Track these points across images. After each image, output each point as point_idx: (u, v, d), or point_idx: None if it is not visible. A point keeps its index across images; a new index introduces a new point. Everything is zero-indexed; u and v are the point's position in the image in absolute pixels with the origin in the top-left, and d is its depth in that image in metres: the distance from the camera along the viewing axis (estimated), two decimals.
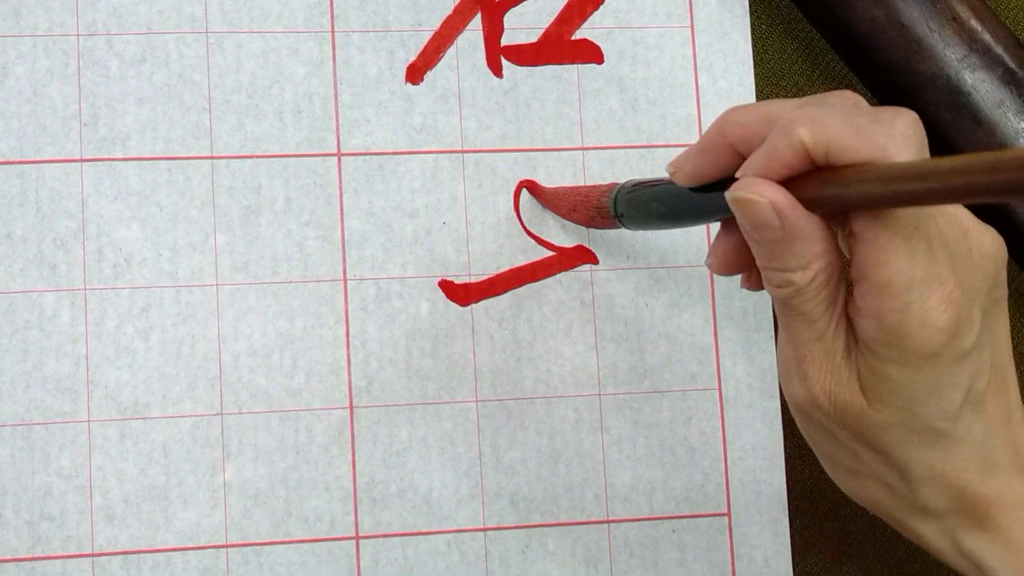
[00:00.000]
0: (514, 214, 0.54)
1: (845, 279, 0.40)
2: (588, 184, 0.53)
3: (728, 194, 0.39)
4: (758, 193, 0.38)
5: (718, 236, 0.43)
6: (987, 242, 0.41)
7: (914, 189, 0.34)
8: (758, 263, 0.40)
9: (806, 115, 0.37)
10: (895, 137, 0.37)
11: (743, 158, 0.40)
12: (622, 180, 0.50)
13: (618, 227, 0.49)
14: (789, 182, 0.38)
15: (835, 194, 0.37)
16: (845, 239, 0.39)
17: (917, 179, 0.34)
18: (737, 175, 0.39)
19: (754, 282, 0.44)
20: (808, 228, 0.38)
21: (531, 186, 0.54)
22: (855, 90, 0.57)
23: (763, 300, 0.55)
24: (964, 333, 0.39)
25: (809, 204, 0.38)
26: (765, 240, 0.39)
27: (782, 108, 0.39)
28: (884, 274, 0.38)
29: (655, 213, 0.46)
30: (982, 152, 0.32)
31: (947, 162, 0.33)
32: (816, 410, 0.41)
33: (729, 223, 0.43)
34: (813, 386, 0.41)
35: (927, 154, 0.38)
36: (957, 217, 0.40)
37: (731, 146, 0.40)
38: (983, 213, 0.44)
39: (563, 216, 0.54)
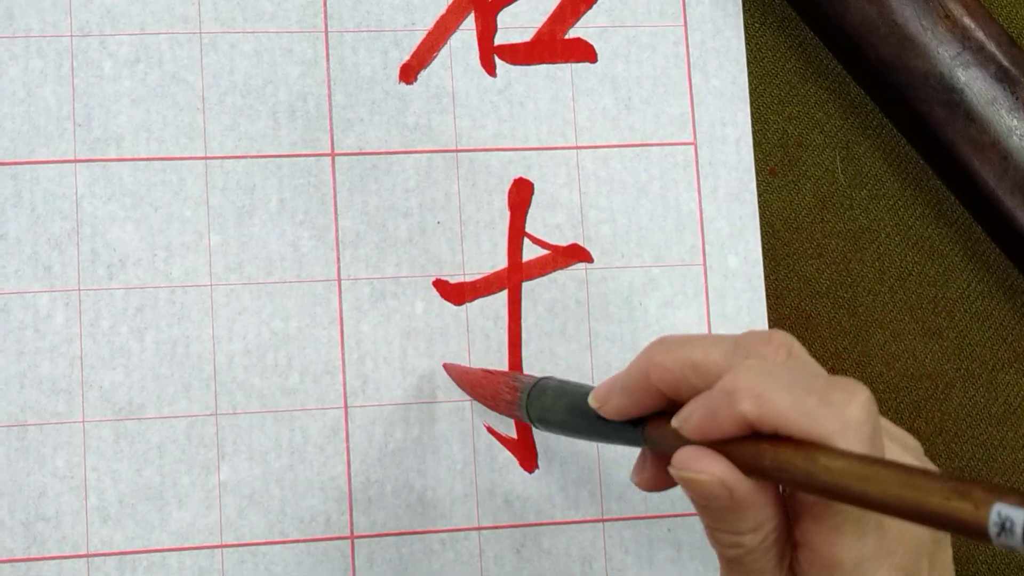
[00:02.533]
0: (508, 212, 0.54)
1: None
2: (495, 371, 0.51)
3: (673, 471, 0.38)
4: (705, 472, 0.37)
5: (643, 455, 0.42)
6: None
7: (859, 492, 0.33)
8: (703, 523, 0.39)
9: (749, 387, 0.36)
10: (847, 424, 0.35)
11: (668, 399, 0.39)
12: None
13: (525, 422, 0.48)
14: (729, 442, 0.37)
15: (778, 475, 0.36)
16: (790, 501, 0.38)
17: (857, 481, 0.33)
18: (673, 424, 0.38)
19: (658, 484, 0.42)
20: (758, 495, 0.37)
21: (449, 367, 0.53)
22: (848, 88, 0.57)
23: (757, 299, 0.55)
24: None
25: (749, 471, 0.37)
26: (713, 508, 0.38)
27: (710, 356, 0.38)
28: (832, 553, 0.37)
29: (574, 430, 0.44)
30: (940, 475, 0.32)
31: (892, 473, 0.32)
32: None
33: None
34: None
35: (880, 437, 0.37)
36: None
37: (656, 388, 0.39)
38: None
39: (468, 393, 0.52)
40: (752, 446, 0.36)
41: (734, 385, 0.36)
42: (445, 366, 0.53)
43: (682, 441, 0.38)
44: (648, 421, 0.40)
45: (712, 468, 0.37)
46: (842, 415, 0.35)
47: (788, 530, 0.39)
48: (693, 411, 0.37)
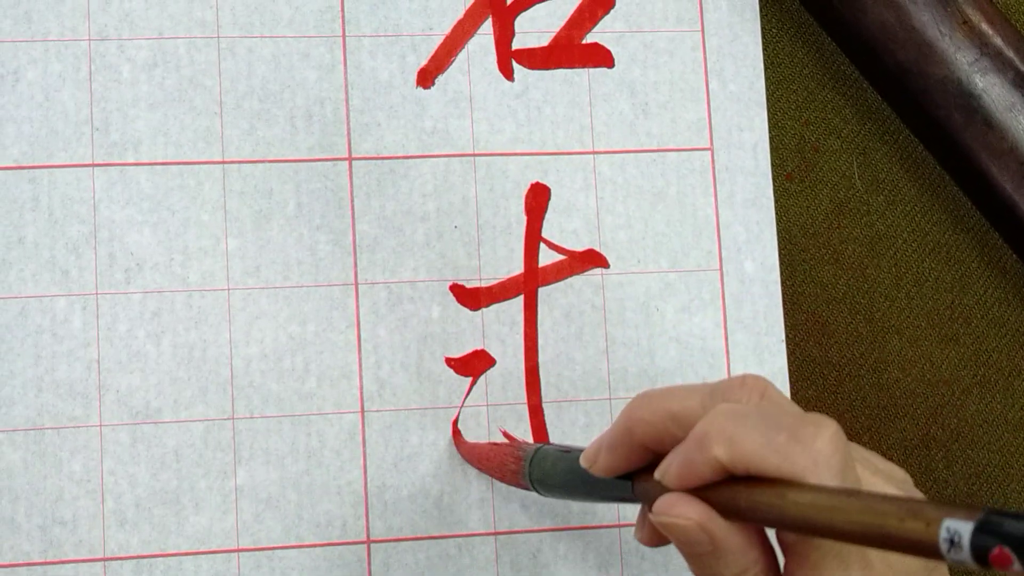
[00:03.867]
0: (525, 217, 0.54)
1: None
2: (500, 443, 0.52)
3: (653, 517, 0.39)
4: (683, 516, 0.37)
5: (643, 512, 0.42)
6: None
7: (825, 523, 0.34)
8: (691, 570, 0.40)
9: (720, 431, 0.36)
10: (816, 459, 0.36)
11: (654, 452, 0.40)
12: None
13: (530, 490, 0.48)
14: (709, 487, 0.37)
15: (753, 515, 0.36)
16: (777, 539, 0.39)
17: (823, 512, 0.34)
18: (656, 476, 0.39)
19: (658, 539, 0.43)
20: (739, 540, 0.38)
21: (454, 434, 0.53)
22: (865, 94, 0.57)
23: (773, 304, 0.55)
24: None
25: (729, 515, 0.37)
26: (695, 553, 0.38)
27: (687, 406, 0.39)
28: None
29: (572, 491, 0.46)
30: (899, 497, 0.32)
31: (853, 501, 0.33)
32: None
33: None
34: None
35: (852, 469, 0.37)
36: None
37: (641, 443, 0.40)
38: None
39: (477, 468, 0.52)
40: (729, 489, 0.37)
41: (705, 431, 0.37)
42: (455, 435, 0.53)
43: (667, 492, 0.39)
44: (636, 476, 0.41)
45: (690, 512, 0.37)
46: (810, 450, 0.36)
47: (777, 573, 0.39)
48: (672, 461, 0.38)
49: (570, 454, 0.45)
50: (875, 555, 0.38)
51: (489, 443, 0.52)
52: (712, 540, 0.37)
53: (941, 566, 0.41)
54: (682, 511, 0.38)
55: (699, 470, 0.37)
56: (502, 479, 0.51)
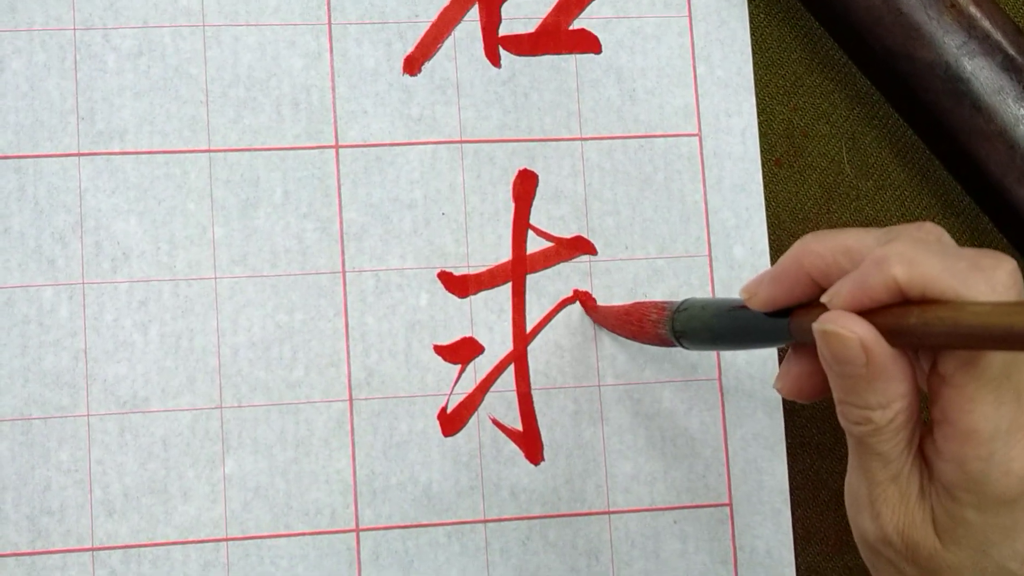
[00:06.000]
0: (513, 204, 0.54)
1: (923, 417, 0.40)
2: (642, 301, 0.52)
3: (816, 325, 0.38)
4: (848, 328, 0.37)
5: (789, 359, 0.43)
6: None
7: (1004, 328, 0.33)
8: (835, 396, 0.40)
9: (901, 253, 0.37)
10: (995, 287, 0.36)
11: (819, 287, 0.40)
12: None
13: (674, 346, 0.48)
14: (874, 311, 0.37)
15: (923, 330, 0.36)
16: (928, 377, 0.39)
17: (1004, 317, 0.33)
18: (823, 300, 0.39)
19: (804, 395, 0.43)
20: (893, 367, 0.38)
21: (584, 300, 0.54)
22: (854, 79, 0.57)
23: None
24: None
25: (893, 336, 0.37)
26: (847, 375, 0.38)
27: (863, 241, 0.39)
28: (970, 422, 0.37)
29: (720, 335, 0.45)
30: None
31: None
32: (887, 548, 0.41)
33: (801, 347, 0.42)
34: (886, 525, 0.40)
35: None
36: None
37: (808, 275, 0.40)
38: None
39: (610, 329, 0.53)
40: (899, 309, 0.37)
41: (885, 253, 0.37)
42: (582, 304, 0.53)
43: None
44: (794, 312, 0.41)
45: (855, 327, 0.37)
46: (991, 278, 0.36)
47: (918, 418, 0.39)
48: (843, 284, 0.38)
49: (722, 300, 0.45)
50: None
51: (629, 303, 0.52)
52: (869, 361, 0.37)
53: None
54: (847, 323, 0.37)
55: (873, 290, 0.37)
56: (640, 335, 0.50)
